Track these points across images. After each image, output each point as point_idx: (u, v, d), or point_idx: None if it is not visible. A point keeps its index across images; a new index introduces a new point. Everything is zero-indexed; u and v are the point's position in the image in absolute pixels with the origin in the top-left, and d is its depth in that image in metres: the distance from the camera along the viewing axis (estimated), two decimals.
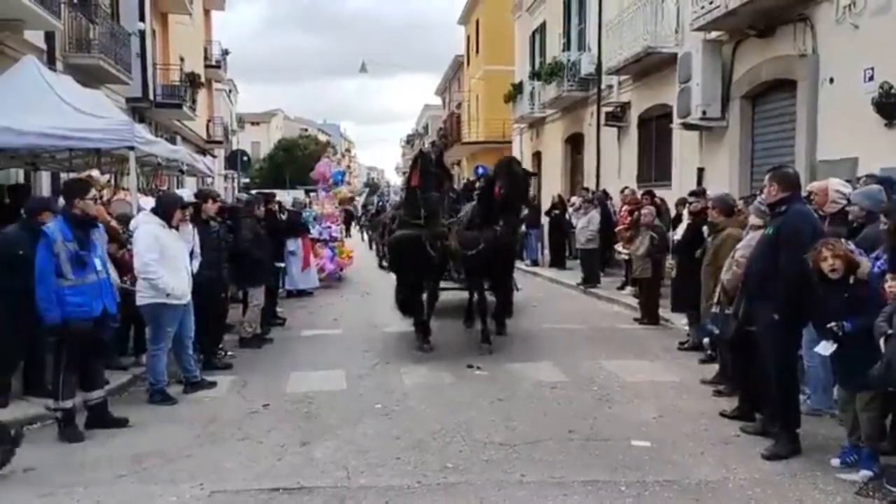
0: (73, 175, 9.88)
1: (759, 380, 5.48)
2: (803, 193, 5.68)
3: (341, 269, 15.41)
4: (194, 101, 25.09)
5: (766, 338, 5.20)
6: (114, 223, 7.37)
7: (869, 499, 4.43)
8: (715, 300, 6.28)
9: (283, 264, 11.26)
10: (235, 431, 5.74)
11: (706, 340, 7.36)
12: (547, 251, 17.50)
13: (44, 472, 4.92)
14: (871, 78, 8.38)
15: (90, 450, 5.35)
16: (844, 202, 5.77)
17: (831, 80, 9.22)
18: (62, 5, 12.93)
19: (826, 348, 4.78)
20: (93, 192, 5.81)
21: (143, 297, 6.53)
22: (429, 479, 4.75)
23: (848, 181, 6.54)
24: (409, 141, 62.31)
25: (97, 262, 5.70)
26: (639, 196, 12.45)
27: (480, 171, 12.81)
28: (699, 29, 11.42)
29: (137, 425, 5.91)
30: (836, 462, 4.93)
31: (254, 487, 4.65)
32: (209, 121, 33.05)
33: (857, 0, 8.67)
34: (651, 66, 14.25)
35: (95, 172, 8.56)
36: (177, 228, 6.76)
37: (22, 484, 4.75)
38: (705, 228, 7.71)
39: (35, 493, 4.58)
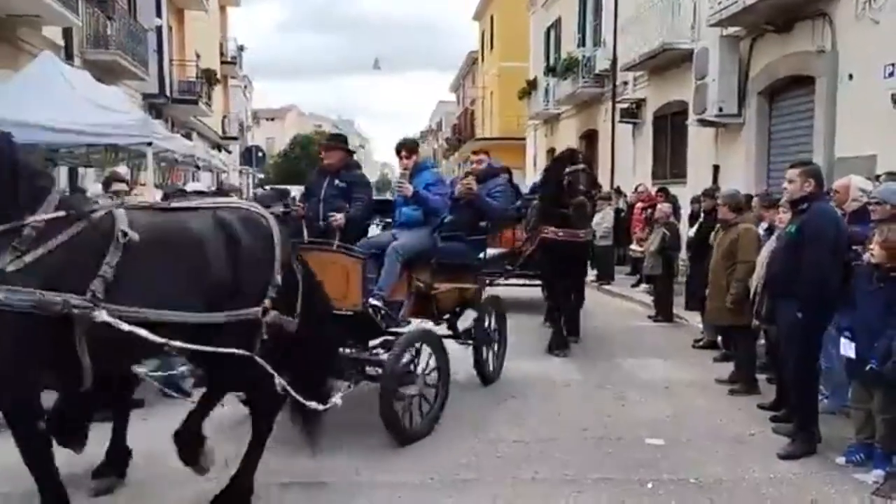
0: (91, 170, 9.95)
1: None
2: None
3: None
4: (210, 97, 25.24)
5: (789, 336, 5.16)
6: None
7: (886, 499, 4.38)
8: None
9: None
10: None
11: None
12: None
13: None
14: (892, 74, 8.29)
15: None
16: (864, 200, 5.71)
17: (850, 77, 9.12)
18: (80, 2, 13.05)
19: (847, 348, 4.74)
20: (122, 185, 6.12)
21: None
22: (441, 476, 4.75)
23: (868, 179, 6.47)
24: (423, 137, 62.30)
25: None
26: (652, 193, 12.41)
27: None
28: (716, 25, 11.33)
29: (151, 418, 5.94)
30: (841, 460, 4.90)
31: (267, 481, 4.68)
32: (224, 117, 33.26)
33: None
34: (667, 62, 14.16)
35: (122, 168, 8.65)
36: None
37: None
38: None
39: None
